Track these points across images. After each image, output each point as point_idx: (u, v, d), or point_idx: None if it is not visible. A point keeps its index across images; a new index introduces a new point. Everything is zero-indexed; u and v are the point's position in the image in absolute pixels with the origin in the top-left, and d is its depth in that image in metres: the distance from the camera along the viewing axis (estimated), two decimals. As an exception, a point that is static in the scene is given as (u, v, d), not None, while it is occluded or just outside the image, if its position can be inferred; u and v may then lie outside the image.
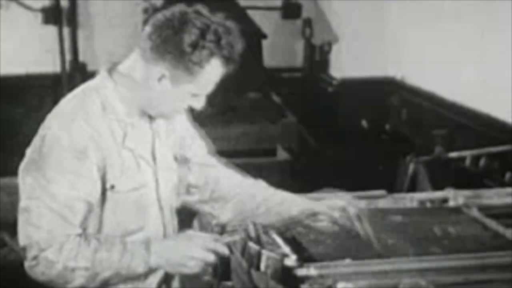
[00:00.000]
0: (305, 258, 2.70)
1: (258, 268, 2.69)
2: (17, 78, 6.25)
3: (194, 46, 2.34)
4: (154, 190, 2.58)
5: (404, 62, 6.54)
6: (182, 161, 2.79)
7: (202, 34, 2.35)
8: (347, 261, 2.71)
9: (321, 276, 2.56)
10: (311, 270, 2.59)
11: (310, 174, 5.94)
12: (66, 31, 6.88)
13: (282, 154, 6.27)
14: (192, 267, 2.43)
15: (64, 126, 2.39)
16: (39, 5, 6.83)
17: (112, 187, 2.45)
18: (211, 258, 2.45)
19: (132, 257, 2.37)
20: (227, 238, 2.61)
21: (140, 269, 2.39)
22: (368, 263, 2.70)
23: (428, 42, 6.04)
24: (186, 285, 3.35)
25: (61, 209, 2.33)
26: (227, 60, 2.42)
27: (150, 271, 2.47)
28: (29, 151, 2.43)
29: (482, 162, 4.94)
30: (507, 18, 4.98)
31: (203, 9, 2.43)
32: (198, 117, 6.47)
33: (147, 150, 2.57)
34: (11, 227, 2.59)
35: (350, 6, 6.74)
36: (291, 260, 2.66)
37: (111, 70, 2.51)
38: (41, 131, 2.44)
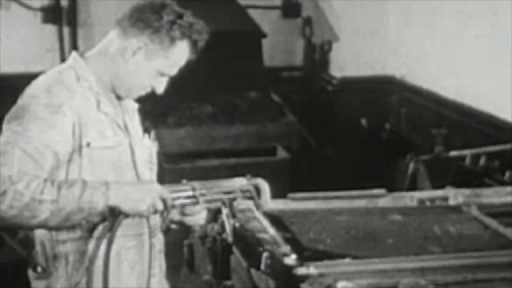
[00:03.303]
0: (305, 257, 2.71)
1: (258, 267, 2.69)
2: (17, 77, 6.24)
3: (172, 23, 2.62)
4: (130, 157, 2.74)
5: (404, 61, 6.54)
6: (150, 138, 2.93)
7: (179, 16, 2.64)
8: (347, 260, 2.72)
9: (321, 275, 2.56)
10: (311, 269, 2.59)
11: (309, 173, 5.95)
12: (65, 30, 6.89)
13: (282, 153, 6.26)
14: (149, 205, 2.56)
15: (44, 88, 2.62)
16: (38, 4, 6.84)
17: (88, 144, 2.62)
18: (160, 206, 2.59)
19: (93, 191, 2.51)
20: (174, 194, 2.65)
21: (100, 204, 2.51)
22: (368, 262, 2.70)
23: (428, 41, 6.04)
24: (186, 285, 3.36)
25: (33, 152, 2.51)
26: (194, 44, 2.66)
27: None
28: (11, 109, 2.62)
29: (482, 161, 4.94)
30: (507, 17, 4.99)
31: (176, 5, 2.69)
32: (198, 116, 6.51)
33: (120, 120, 2.75)
34: (11, 227, 2.64)
35: (350, 5, 6.75)
36: (291, 259, 2.66)
37: (81, 53, 2.75)
38: (23, 94, 2.66)
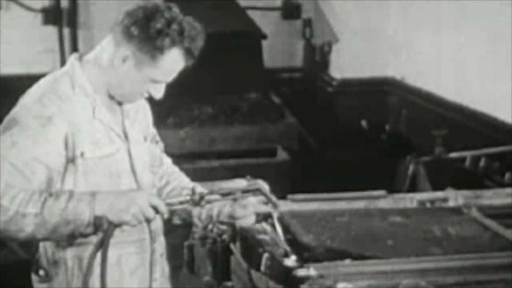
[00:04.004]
0: (305, 258, 2.71)
1: (258, 268, 2.69)
2: (17, 78, 6.25)
3: (159, 32, 2.52)
4: (128, 162, 2.71)
5: (404, 63, 6.54)
6: (152, 140, 2.90)
7: (168, 24, 2.53)
8: (347, 261, 2.72)
9: (321, 276, 2.56)
10: (311, 270, 2.59)
11: (310, 174, 5.94)
12: (66, 31, 6.89)
13: (282, 154, 6.27)
14: (134, 214, 2.52)
15: (36, 98, 2.59)
16: (39, 5, 6.85)
17: (82, 154, 2.59)
18: (151, 213, 2.55)
19: (78, 202, 2.49)
20: (171, 199, 2.67)
21: (86, 215, 2.49)
22: (368, 264, 2.70)
23: (428, 42, 6.04)
24: (186, 285, 3.36)
25: (21, 166, 2.49)
26: (187, 51, 2.57)
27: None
28: (4, 120, 2.60)
29: (482, 162, 4.94)
30: (507, 18, 4.99)
31: (175, 7, 2.61)
32: (199, 117, 6.52)
33: (118, 126, 2.71)
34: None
35: (350, 6, 6.75)
36: (291, 260, 2.66)
37: (80, 57, 2.71)
38: (17, 104, 2.63)
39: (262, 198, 2.73)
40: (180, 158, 5.86)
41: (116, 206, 2.52)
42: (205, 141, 6.16)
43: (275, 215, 2.74)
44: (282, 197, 3.26)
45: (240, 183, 2.76)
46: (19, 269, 3.06)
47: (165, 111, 5.97)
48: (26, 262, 2.88)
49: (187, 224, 2.82)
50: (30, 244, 2.74)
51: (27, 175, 2.49)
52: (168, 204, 2.61)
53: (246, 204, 2.74)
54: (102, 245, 2.54)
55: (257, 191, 2.73)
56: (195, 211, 2.80)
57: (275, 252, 2.72)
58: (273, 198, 2.76)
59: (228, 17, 6.46)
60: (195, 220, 2.83)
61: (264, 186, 2.76)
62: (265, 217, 2.82)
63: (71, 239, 2.61)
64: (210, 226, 2.82)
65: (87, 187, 2.59)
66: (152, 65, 2.56)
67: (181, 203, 2.66)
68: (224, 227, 2.87)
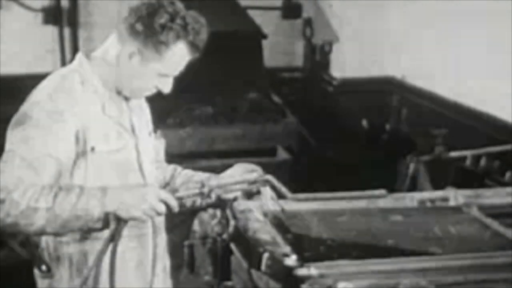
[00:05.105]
0: (305, 257, 2.71)
1: (258, 268, 2.69)
2: (17, 78, 6.24)
3: (163, 27, 2.58)
4: (135, 158, 2.76)
5: (404, 62, 6.54)
6: (157, 136, 2.96)
7: (172, 18, 2.59)
8: (348, 260, 2.71)
9: (322, 276, 2.56)
10: (311, 270, 2.59)
11: (310, 174, 5.94)
12: (66, 31, 6.89)
13: (282, 154, 6.27)
14: (145, 210, 2.54)
15: (46, 94, 2.62)
16: (39, 5, 6.84)
17: (93, 148, 2.63)
18: (162, 208, 2.57)
19: (88, 198, 2.50)
20: (180, 193, 2.68)
21: (96, 211, 2.51)
22: (369, 263, 2.70)
23: (428, 42, 6.04)
24: (187, 285, 3.37)
25: (33, 161, 2.52)
26: (191, 44, 2.62)
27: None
28: (15, 116, 2.64)
29: (482, 161, 4.94)
30: (507, 17, 4.99)
31: (178, 2, 2.65)
32: (199, 117, 6.51)
33: (126, 121, 2.75)
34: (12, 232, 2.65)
35: (350, 5, 6.75)
36: (291, 259, 2.66)
37: (87, 54, 2.75)
38: (27, 100, 2.66)
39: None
40: (180, 157, 5.89)
41: (128, 202, 2.53)
42: (206, 140, 6.16)
43: (266, 193, 2.77)
44: (283, 196, 3.26)
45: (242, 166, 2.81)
46: (19, 269, 3.07)
47: (166, 111, 5.98)
48: (27, 262, 2.88)
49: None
50: (32, 242, 2.74)
51: (38, 170, 2.52)
52: (177, 198, 2.62)
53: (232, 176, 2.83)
54: (112, 241, 2.55)
55: (266, 182, 2.76)
56: None
57: (275, 251, 2.73)
58: (282, 188, 2.80)
59: (228, 17, 6.46)
60: None
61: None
62: (249, 195, 2.84)
63: (82, 233, 2.63)
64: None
65: (97, 182, 2.61)
66: (158, 59, 2.61)
67: (191, 196, 2.68)
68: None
